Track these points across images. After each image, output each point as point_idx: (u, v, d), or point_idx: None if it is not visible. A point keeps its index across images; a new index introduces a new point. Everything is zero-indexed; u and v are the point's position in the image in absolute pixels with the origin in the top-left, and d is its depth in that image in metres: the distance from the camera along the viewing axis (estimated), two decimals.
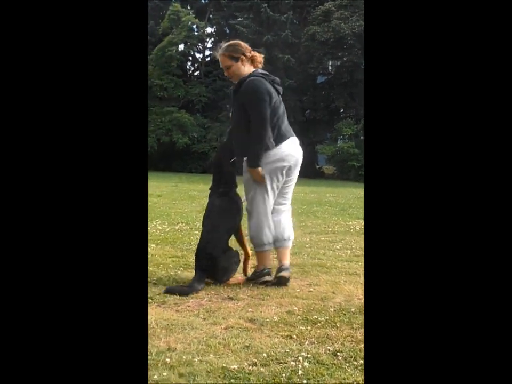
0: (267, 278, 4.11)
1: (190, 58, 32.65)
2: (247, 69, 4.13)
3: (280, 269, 4.09)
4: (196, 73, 32.51)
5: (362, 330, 2.94)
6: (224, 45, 4.18)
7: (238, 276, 4.24)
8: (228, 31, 31.96)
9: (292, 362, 2.45)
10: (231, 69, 4.13)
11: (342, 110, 28.37)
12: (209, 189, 4.31)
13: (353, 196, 14.70)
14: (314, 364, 2.45)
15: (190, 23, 28.17)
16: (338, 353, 2.58)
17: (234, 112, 4.20)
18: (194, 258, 4.15)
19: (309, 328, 2.98)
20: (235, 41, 4.28)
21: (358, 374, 2.36)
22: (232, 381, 2.27)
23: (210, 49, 33.01)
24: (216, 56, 4.25)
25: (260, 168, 4.03)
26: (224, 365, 2.40)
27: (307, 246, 5.93)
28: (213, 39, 32.94)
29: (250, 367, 2.40)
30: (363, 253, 5.51)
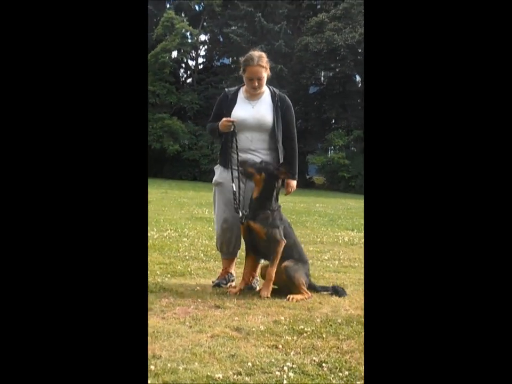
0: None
1: (183, 65, 32.68)
2: None
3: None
4: (189, 80, 32.53)
5: (348, 341, 2.94)
6: (256, 55, 4.16)
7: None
8: (221, 39, 32.03)
9: (277, 372, 2.44)
10: (263, 80, 4.21)
11: (333, 121, 28.48)
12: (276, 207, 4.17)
13: (342, 206, 14.75)
14: (300, 374, 2.45)
15: (183, 30, 28.20)
16: (323, 364, 2.57)
17: (262, 120, 4.24)
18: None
19: (295, 338, 2.97)
20: (261, 52, 4.31)
21: None
22: None
23: (203, 56, 33.11)
24: (244, 65, 4.20)
25: None
26: (209, 373, 2.39)
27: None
28: (206, 46, 33.01)
29: (235, 376, 2.39)
30: (351, 264, 5.57)
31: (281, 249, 4.07)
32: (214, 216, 4.53)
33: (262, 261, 4.40)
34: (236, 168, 4.21)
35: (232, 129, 4.18)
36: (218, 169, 4.43)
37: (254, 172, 4.06)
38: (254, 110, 4.24)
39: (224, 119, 4.17)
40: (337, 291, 4.16)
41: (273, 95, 4.32)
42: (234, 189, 4.21)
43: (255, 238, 4.11)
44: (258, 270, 4.43)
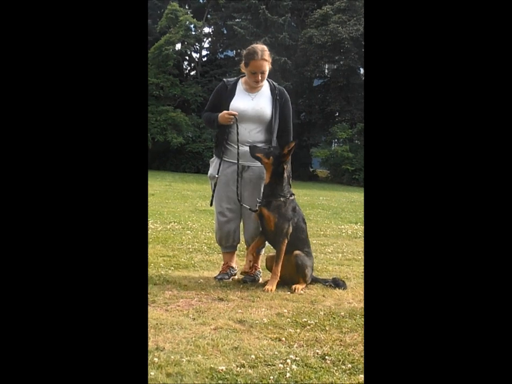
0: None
1: (187, 57, 32.61)
2: None
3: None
4: (192, 73, 32.47)
5: (352, 334, 2.95)
6: (259, 49, 4.14)
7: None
8: (225, 31, 31.96)
9: (280, 365, 2.44)
10: (266, 74, 4.22)
11: (337, 114, 28.41)
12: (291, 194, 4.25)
13: (346, 199, 14.75)
14: (302, 366, 2.45)
15: (187, 22, 28.11)
16: (326, 357, 2.57)
17: (264, 113, 4.25)
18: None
19: (298, 331, 2.97)
20: (263, 44, 4.30)
21: (345, 378, 2.36)
22: (220, 382, 2.26)
23: (207, 49, 33.03)
24: (247, 59, 4.17)
25: None
26: (212, 365, 2.39)
27: None
28: (210, 39, 32.95)
29: (238, 368, 2.39)
30: (354, 257, 5.58)
31: (284, 247, 4.11)
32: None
33: (263, 252, 4.44)
34: (236, 161, 4.22)
35: (232, 123, 4.17)
36: (213, 162, 4.41)
37: (262, 156, 4.08)
38: (254, 102, 4.23)
39: (225, 112, 4.16)
40: (337, 283, 4.17)
41: (272, 88, 4.31)
42: (236, 182, 4.24)
43: (265, 226, 4.13)
44: (261, 262, 4.44)
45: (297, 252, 4.18)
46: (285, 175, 4.14)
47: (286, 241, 4.10)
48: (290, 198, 4.18)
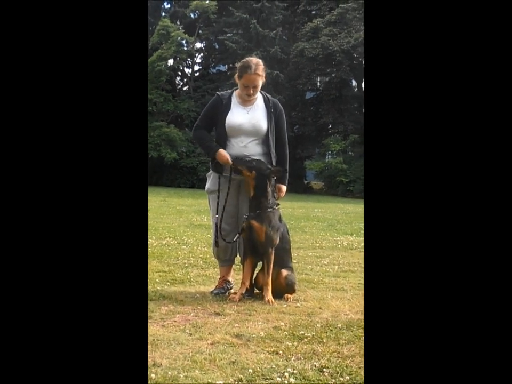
0: None
1: (179, 73, 32.73)
2: None
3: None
4: (185, 88, 32.57)
5: (349, 346, 2.94)
6: (253, 63, 4.14)
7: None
8: (217, 46, 32.11)
9: (278, 378, 2.43)
10: (258, 87, 4.23)
11: (330, 126, 28.51)
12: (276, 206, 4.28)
13: (341, 211, 14.76)
14: (301, 379, 2.44)
15: (179, 38, 28.25)
16: (324, 369, 2.56)
17: (259, 126, 4.25)
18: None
19: (296, 343, 2.96)
20: (258, 58, 4.32)
21: None
22: None
23: (199, 64, 33.16)
24: (240, 72, 4.18)
25: None
26: (209, 380, 2.38)
27: (294, 261, 5.88)
28: (202, 54, 33.09)
29: (236, 383, 2.38)
30: (350, 269, 5.58)
31: (272, 257, 4.15)
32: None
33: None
34: (229, 174, 4.23)
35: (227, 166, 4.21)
36: (210, 176, 4.42)
37: (243, 169, 4.11)
38: (249, 115, 4.24)
39: (227, 158, 4.15)
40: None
41: (266, 101, 4.34)
42: (220, 198, 4.26)
43: (255, 239, 4.14)
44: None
45: (285, 271, 4.24)
46: (269, 189, 4.17)
47: (273, 251, 4.14)
48: (276, 208, 4.23)
